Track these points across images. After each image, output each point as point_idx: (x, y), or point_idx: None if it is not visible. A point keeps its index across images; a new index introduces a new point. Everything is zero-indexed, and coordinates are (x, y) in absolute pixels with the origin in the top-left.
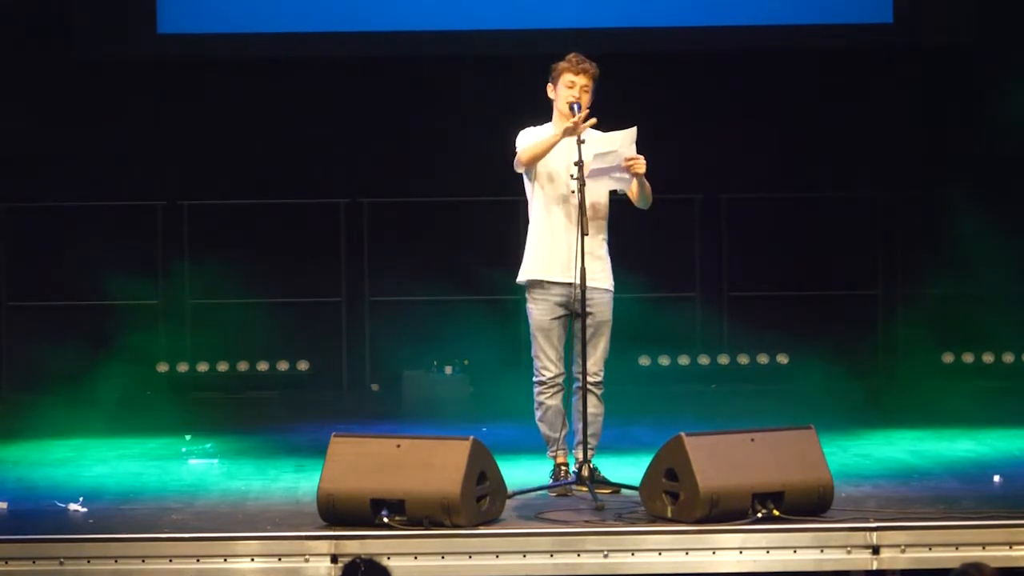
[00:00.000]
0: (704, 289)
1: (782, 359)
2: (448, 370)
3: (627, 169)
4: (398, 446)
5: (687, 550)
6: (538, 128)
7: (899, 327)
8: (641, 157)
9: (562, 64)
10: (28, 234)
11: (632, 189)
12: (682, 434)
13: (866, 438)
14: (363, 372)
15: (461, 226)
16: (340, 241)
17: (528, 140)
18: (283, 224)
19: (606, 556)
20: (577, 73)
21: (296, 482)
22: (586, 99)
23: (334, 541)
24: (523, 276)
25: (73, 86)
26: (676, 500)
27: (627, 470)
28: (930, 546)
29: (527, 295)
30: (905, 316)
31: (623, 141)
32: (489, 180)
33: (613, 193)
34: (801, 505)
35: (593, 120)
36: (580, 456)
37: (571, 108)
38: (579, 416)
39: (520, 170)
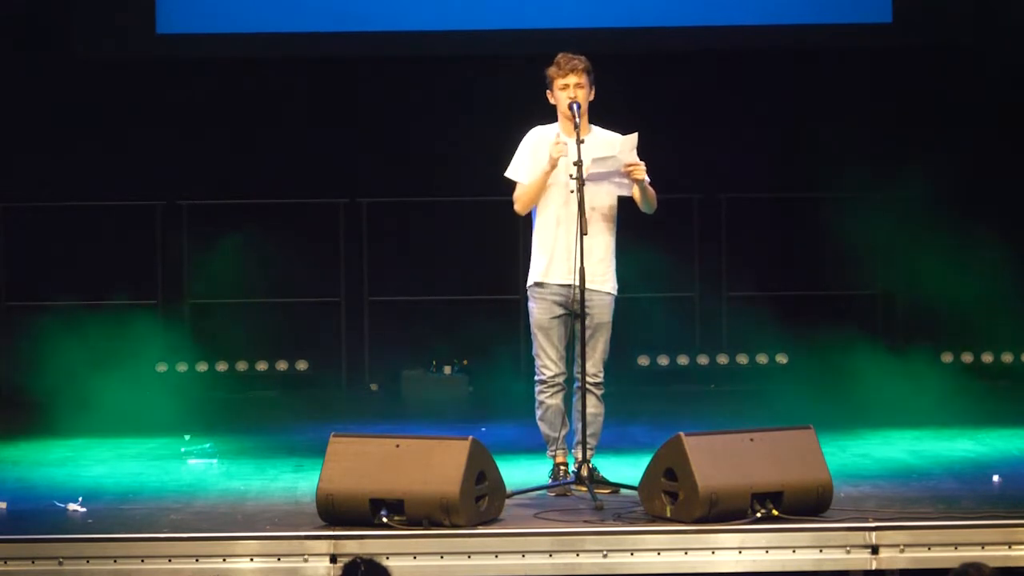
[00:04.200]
0: (703, 289)
1: (782, 359)
2: (447, 370)
3: (627, 175)
4: (397, 446)
5: (686, 550)
6: (544, 128)
7: (899, 327)
8: (641, 163)
9: (551, 69)
10: (28, 234)
11: (635, 194)
12: (681, 434)
13: (865, 438)
14: (362, 372)
15: (461, 226)
16: (339, 241)
17: (520, 188)
18: (283, 224)
19: (605, 556)
20: (566, 74)
21: (295, 482)
22: (583, 93)
23: (333, 541)
24: (529, 281)
25: (73, 86)
26: (675, 500)
27: (626, 470)
28: (929, 546)
29: (528, 294)
30: (905, 316)
31: (623, 147)
32: (489, 180)
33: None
34: (800, 505)
35: (564, 147)
36: (579, 456)
37: (571, 108)
38: (579, 416)
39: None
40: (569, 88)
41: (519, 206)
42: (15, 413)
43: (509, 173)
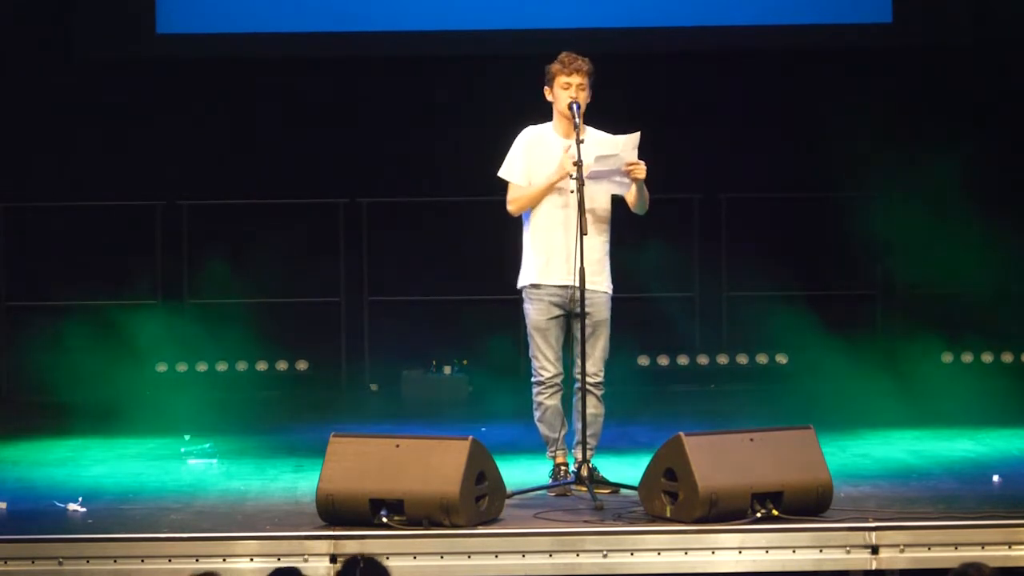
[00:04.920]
0: (703, 289)
1: (781, 359)
2: (447, 370)
3: (627, 174)
4: (397, 446)
5: (686, 550)
6: (537, 128)
7: (899, 327)
8: (642, 163)
9: (554, 66)
10: (28, 234)
11: (631, 194)
12: (681, 434)
13: (865, 438)
14: (362, 372)
15: (461, 226)
16: (339, 241)
17: (518, 190)
18: (283, 224)
19: (605, 556)
20: (570, 73)
21: (295, 482)
22: (583, 96)
23: (333, 541)
24: (522, 281)
25: (73, 86)
26: (675, 500)
27: (626, 470)
28: (929, 546)
29: (524, 295)
30: (905, 316)
31: (625, 146)
32: (489, 180)
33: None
34: (800, 505)
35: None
36: (579, 456)
37: (571, 108)
38: (579, 416)
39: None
40: (571, 88)
41: (514, 207)
42: (15, 413)
43: (502, 173)
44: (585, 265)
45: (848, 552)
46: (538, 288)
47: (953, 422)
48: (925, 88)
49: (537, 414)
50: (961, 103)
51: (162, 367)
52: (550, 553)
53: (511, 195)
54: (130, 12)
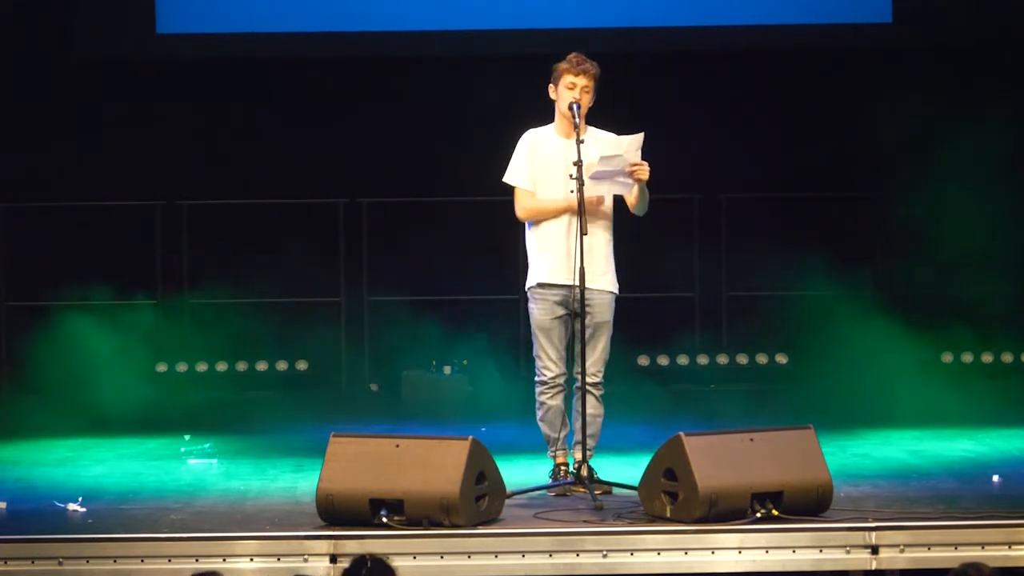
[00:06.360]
0: (703, 289)
1: (781, 359)
2: (447, 370)
3: (630, 175)
4: (397, 446)
5: (686, 550)
6: (539, 130)
7: (899, 327)
8: (645, 164)
9: (562, 65)
10: (28, 234)
11: (631, 195)
12: (681, 434)
13: (865, 438)
14: (362, 372)
15: (461, 226)
16: (339, 241)
17: (527, 198)
18: (283, 224)
19: (605, 556)
20: (577, 74)
21: (295, 482)
22: (586, 99)
23: (333, 541)
24: (530, 281)
25: (73, 86)
26: (675, 500)
27: (626, 470)
28: (929, 546)
29: (529, 295)
30: (905, 316)
31: (629, 146)
32: (490, 180)
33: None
34: (800, 505)
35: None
36: (578, 456)
37: (571, 108)
38: (578, 416)
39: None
40: (575, 88)
41: (525, 215)
42: (15, 413)
43: (508, 179)
44: (589, 265)
45: (848, 552)
46: (543, 288)
47: (953, 422)
48: (925, 88)
49: (539, 413)
50: (960, 103)
51: (162, 367)
52: (550, 553)
53: (521, 201)
54: (130, 12)
